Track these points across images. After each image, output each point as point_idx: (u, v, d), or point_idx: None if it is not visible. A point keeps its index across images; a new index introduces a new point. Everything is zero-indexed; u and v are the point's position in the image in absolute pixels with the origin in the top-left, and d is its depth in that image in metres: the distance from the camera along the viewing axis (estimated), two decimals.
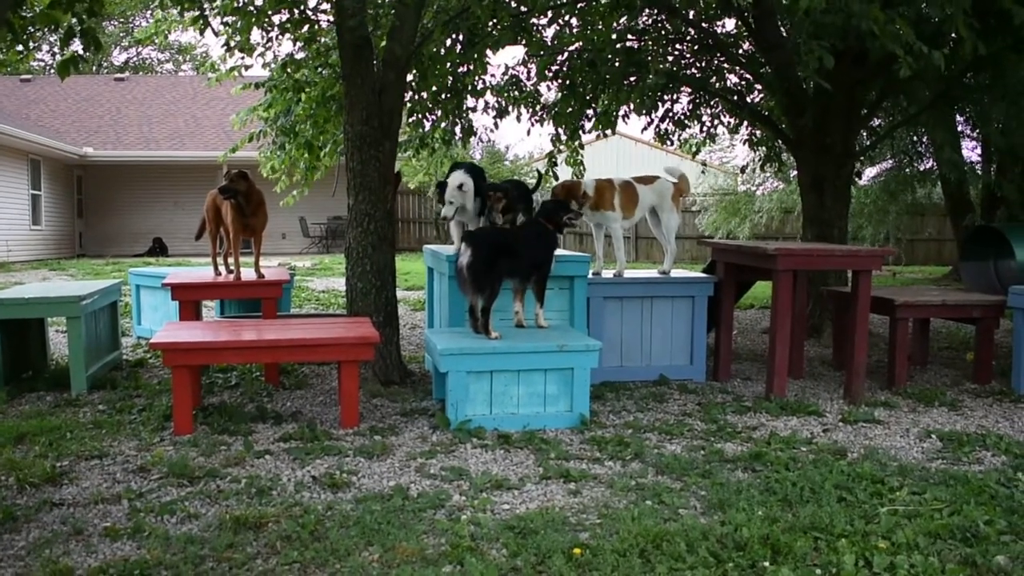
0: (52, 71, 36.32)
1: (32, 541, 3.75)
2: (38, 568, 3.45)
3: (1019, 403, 6.67)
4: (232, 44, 9.05)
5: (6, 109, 24.60)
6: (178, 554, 3.59)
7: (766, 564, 3.50)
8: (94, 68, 40.54)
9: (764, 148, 13.03)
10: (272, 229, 19.20)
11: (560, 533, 3.82)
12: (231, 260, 7.38)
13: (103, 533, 3.83)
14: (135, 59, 45.97)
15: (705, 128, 12.44)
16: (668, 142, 12.27)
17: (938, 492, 4.39)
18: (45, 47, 39.00)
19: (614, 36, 9.51)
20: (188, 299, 7.18)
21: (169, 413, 5.67)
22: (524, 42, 9.48)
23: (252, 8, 8.35)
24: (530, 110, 10.80)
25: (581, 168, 11.62)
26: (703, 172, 18.03)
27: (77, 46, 5.53)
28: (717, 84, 10.95)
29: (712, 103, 11.91)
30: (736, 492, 4.38)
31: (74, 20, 5.29)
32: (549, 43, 9.90)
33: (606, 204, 7.24)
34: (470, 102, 10.32)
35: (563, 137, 11.02)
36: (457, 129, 10.55)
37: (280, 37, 9.17)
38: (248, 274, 7.27)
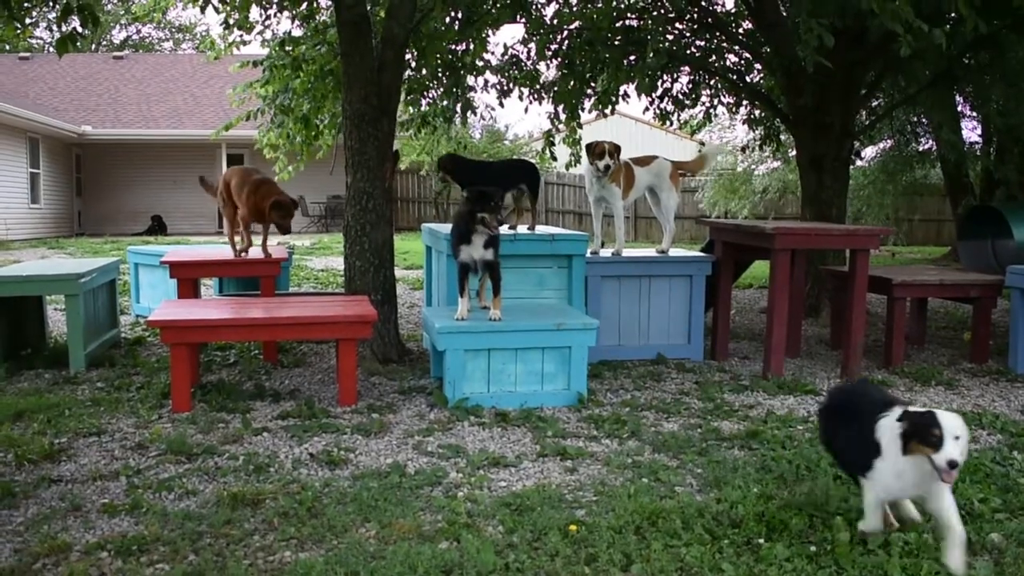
0: (51, 49, 36.19)
1: (30, 517, 3.76)
2: (36, 543, 3.47)
3: (1015, 382, 6.69)
4: (231, 22, 9.02)
5: (5, 87, 24.52)
6: (176, 530, 3.61)
7: (761, 541, 3.52)
8: (92, 46, 40.41)
9: (763, 127, 13.01)
10: None
11: (556, 510, 3.83)
12: (239, 239, 7.37)
13: (101, 509, 3.85)
14: (134, 37, 45.82)
15: (704, 107, 12.40)
16: (668, 122, 12.24)
17: None
18: (43, 24, 38.85)
19: (614, 15, 9.45)
20: (186, 277, 7.19)
21: (167, 391, 5.69)
22: (523, 20, 9.43)
23: None
24: (528, 88, 10.76)
25: (578, 148, 11.57)
26: (699, 151, 18.02)
27: (75, 22, 5.53)
28: (717, 63, 10.90)
29: (711, 82, 11.88)
30: (732, 470, 4.40)
31: None
32: (548, 21, 9.85)
33: (614, 177, 7.22)
34: (469, 80, 10.27)
35: (562, 116, 10.98)
36: (458, 107, 10.50)
37: (279, 14, 9.14)
38: (255, 252, 7.31)
